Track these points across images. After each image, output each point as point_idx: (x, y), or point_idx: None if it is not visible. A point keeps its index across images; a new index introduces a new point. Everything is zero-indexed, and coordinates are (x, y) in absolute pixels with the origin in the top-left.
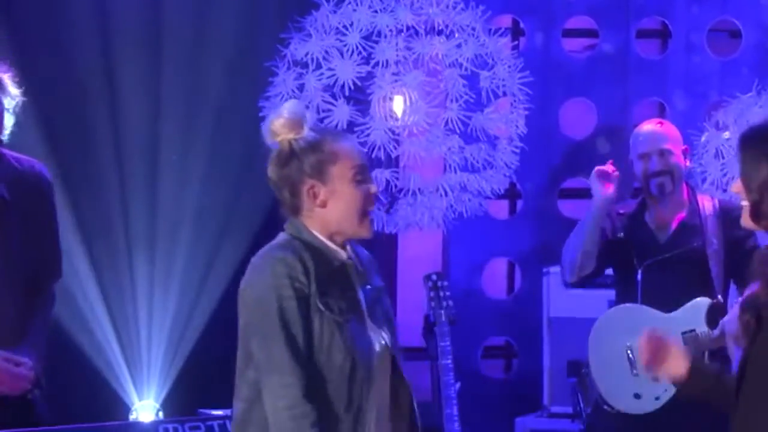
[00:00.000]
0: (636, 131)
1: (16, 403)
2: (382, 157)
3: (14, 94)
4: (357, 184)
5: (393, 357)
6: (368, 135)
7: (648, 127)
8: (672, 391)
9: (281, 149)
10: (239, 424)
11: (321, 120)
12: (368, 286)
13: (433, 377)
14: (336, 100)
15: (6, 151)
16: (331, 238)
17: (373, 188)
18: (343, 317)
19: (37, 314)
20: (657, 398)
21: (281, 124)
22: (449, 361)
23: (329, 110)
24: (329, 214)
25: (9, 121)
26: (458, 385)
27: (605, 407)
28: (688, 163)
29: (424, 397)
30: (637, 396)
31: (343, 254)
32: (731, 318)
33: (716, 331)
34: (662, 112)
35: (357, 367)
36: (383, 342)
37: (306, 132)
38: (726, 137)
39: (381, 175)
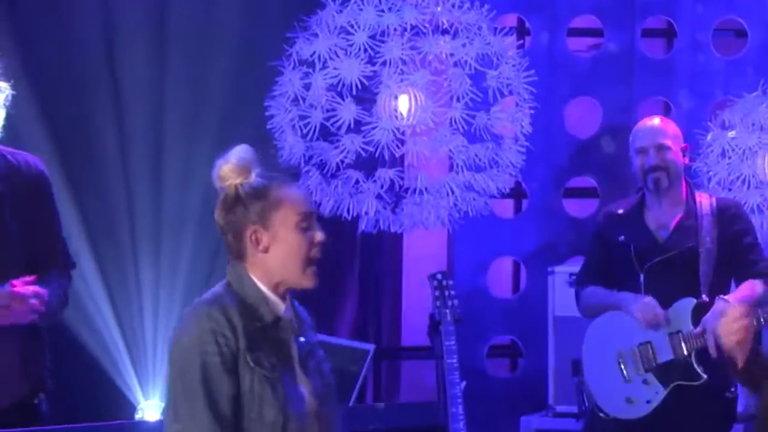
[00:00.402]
0: (636, 127)
1: (22, 405)
2: (386, 157)
3: (3, 87)
4: (301, 231)
5: (319, 411)
6: (374, 134)
7: (647, 122)
8: (662, 394)
9: (228, 194)
10: None
11: (327, 119)
12: (302, 339)
13: (439, 376)
14: (342, 99)
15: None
16: (275, 287)
17: (319, 236)
18: (275, 373)
19: (53, 275)
20: (648, 402)
21: (229, 169)
22: (454, 360)
23: (335, 109)
24: (271, 260)
25: (1, 115)
26: (464, 384)
27: (600, 414)
28: (687, 161)
29: (430, 396)
30: (629, 401)
31: (281, 307)
32: (712, 314)
33: (698, 329)
34: (667, 112)
35: (289, 422)
36: (313, 395)
37: (253, 178)
38: (732, 136)
39: (386, 174)
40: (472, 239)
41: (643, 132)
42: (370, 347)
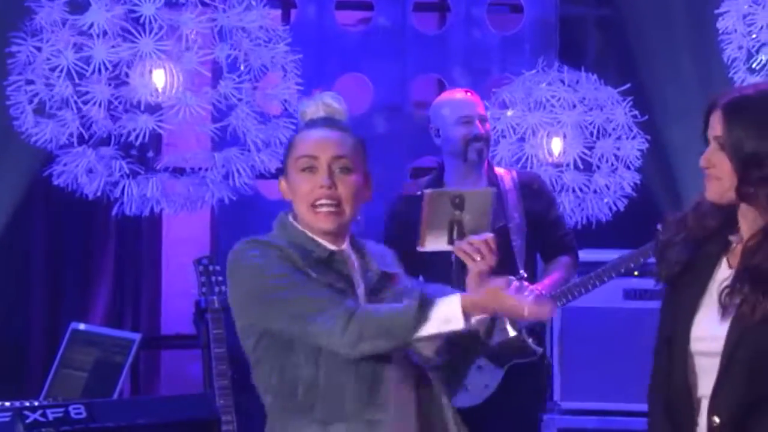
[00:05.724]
0: (447, 99)
1: None
2: (147, 133)
3: None
4: (301, 172)
5: None
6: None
7: (462, 93)
8: (500, 376)
9: None
10: None
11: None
12: (369, 273)
13: (205, 366)
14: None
15: None
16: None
17: (320, 180)
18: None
19: None
20: (486, 386)
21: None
22: (223, 350)
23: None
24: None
25: None
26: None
27: None
28: None
29: (192, 387)
30: (465, 389)
31: (332, 246)
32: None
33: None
34: (441, 89)
35: None
36: None
37: None
38: (510, 115)
39: (142, 152)
40: (239, 222)
41: (464, 102)
42: (136, 336)
